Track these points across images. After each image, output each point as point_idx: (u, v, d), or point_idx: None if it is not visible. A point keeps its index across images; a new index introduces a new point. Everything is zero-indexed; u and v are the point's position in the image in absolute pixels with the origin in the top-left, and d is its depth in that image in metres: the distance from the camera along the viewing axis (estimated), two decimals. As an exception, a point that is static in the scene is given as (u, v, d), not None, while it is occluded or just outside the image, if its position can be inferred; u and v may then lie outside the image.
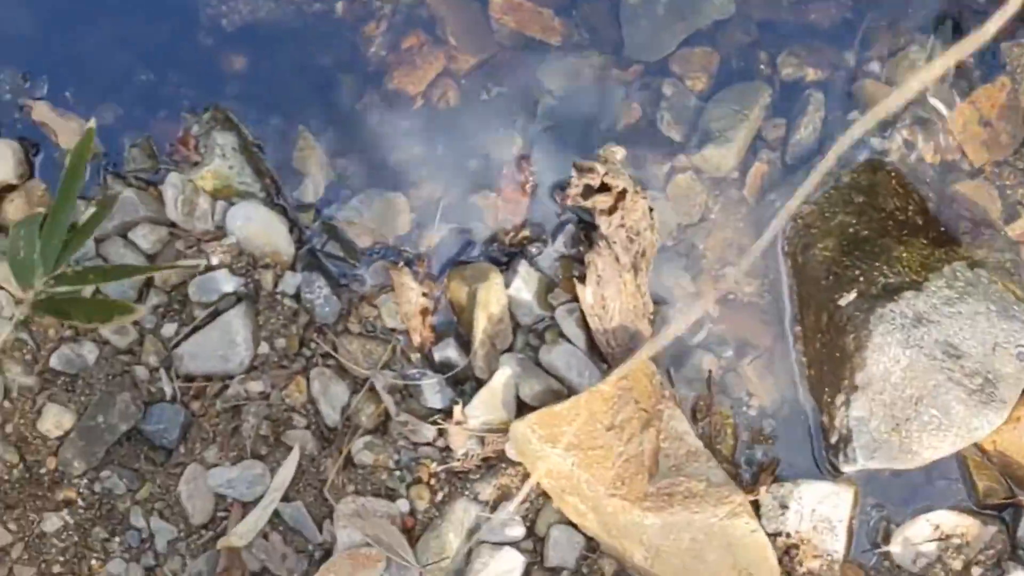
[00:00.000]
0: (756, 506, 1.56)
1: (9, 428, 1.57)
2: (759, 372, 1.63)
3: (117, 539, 1.57)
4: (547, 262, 1.66)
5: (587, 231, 1.65)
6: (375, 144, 1.69)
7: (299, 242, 1.67)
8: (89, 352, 1.58)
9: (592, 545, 1.58)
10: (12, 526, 1.56)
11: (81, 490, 1.57)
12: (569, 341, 1.63)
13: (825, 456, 1.60)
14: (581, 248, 1.64)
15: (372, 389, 1.61)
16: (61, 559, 1.56)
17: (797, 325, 1.64)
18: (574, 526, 1.57)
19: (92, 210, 1.57)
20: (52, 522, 1.56)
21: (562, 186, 1.65)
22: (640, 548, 1.53)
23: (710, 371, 1.64)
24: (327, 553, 1.57)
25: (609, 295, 1.60)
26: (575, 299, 1.63)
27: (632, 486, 1.52)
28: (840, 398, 1.57)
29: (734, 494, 1.53)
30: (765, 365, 1.64)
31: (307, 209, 1.68)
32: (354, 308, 1.64)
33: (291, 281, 1.63)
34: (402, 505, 1.58)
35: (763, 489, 1.57)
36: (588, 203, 1.60)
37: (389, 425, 1.61)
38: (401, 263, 1.66)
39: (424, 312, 1.64)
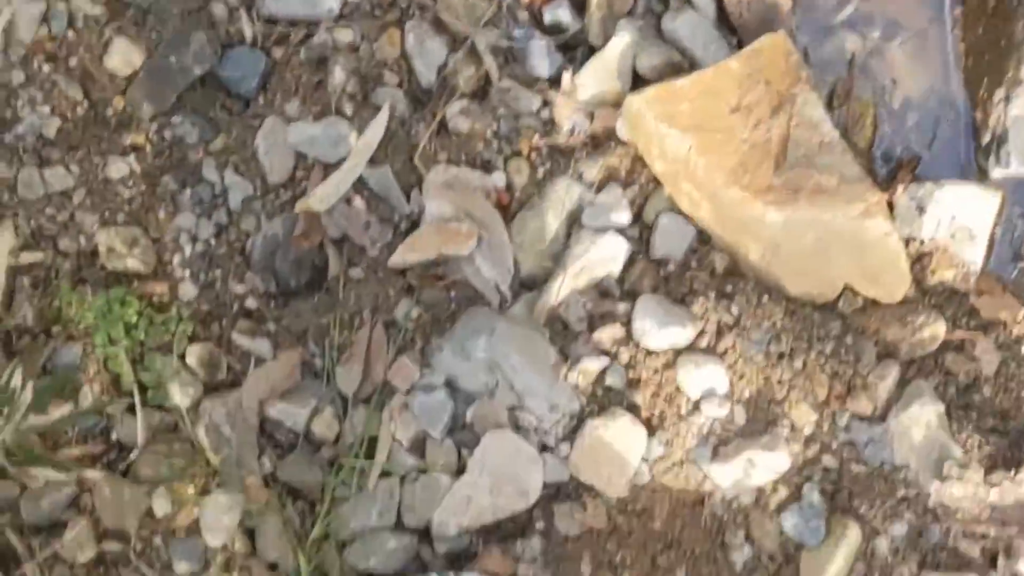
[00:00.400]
0: (890, 207, 1.46)
1: (73, 61, 1.47)
2: (908, 57, 1.49)
3: (188, 191, 1.50)
4: (674, -81, 1.52)
5: None
6: None
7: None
8: (162, -18, 1.48)
9: (704, 238, 1.49)
10: (75, 168, 1.48)
11: (150, 135, 1.49)
12: (696, 8, 1.50)
13: (973, 157, 1.49)
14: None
15: (473, 49, 1.50)
16: (126, 208, 1.49)
17: (958, 7, 1.50)
18: (686, 216, 1.48)
19: None
20: (118, 167, 1.48)
21: None
22: (757, 245, 1.44)
23: (853, 53, 1.51)
24: (413, 225, 1.50)
25: (749, -43, 1.47)
26: (710, -39, 1.50)
27: (755, 176, 1.42)
28: (999, 93, 1.44)
29: (869, 192, 1.42)
30: (915, 50, 1.50)
31: None
32: (458, -47, 1.52)
33: (387, -78, 1.50)
34: (498, 179, 1.49)
35: (900, 188, 1.46)
36: None
37: (489, 90, 1.50)
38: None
39: (537, -35, 1.51)
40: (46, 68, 1.46)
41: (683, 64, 1.49)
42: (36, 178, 1.47)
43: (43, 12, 1.45)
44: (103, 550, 1.41)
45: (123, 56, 1.46)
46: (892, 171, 1.49)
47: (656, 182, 1.49)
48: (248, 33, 1.48)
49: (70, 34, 1.47)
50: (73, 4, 1.46)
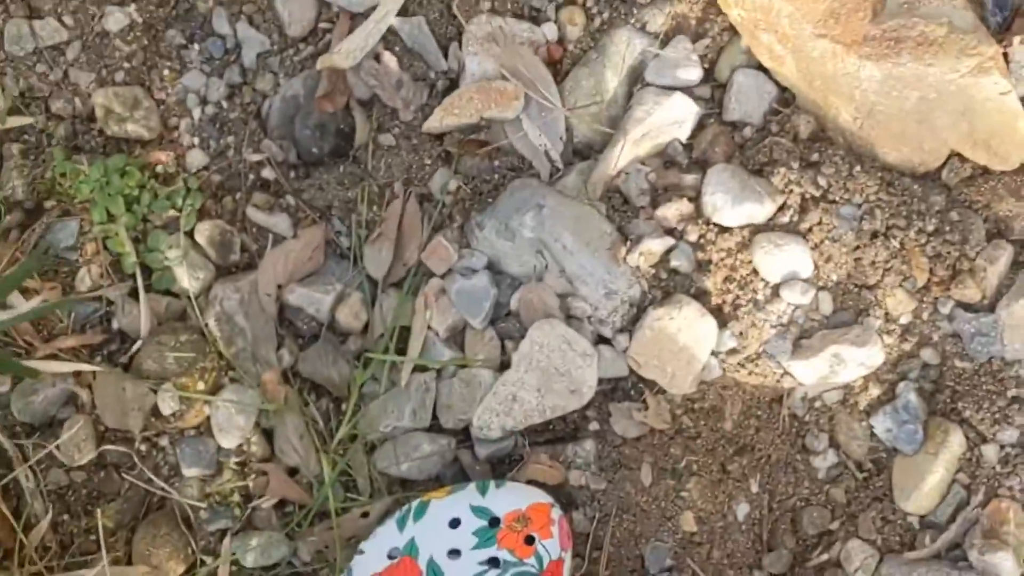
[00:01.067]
0: (1005, 61, 1.34)
1: None
2: None
3: (196, 47, 1.40)
4: None
5: None
6: None
7: None
8: None
9: (786, 98, 1.37)
10: (69, 20, 1.38)
11: (153, -21, 1.40)
12: None
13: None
14: None
15: None
16: (126, 65, 1.39)
17: None
18: (766, 72, 1.36)
19: None
20: (116, 19, 1.38)
21: None
22: (850, 105, 1.32)
23: None
24: (452, 84, 1.39)
25: None
26: None
27: (848, 26, 1.30)
28: None
29: (983, 44, 1.29)
30: None
31: None
32: None
33: None
34: (549, 30, 1.38)
35: (1017, 40, 1.33)
36: None
37: (540, -74, 1.39)
38: None
39: None
40: (34, -99, 1.37)
41: None
42: (25, 31, 1.38)
43: None
44: (103, 452, 1.35)
45: None
46: (1007, 20, 1.35)
47: (732, 33, 1.38)
48: None
49: None
50: None
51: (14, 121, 1.38)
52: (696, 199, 1.34)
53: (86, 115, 1.40)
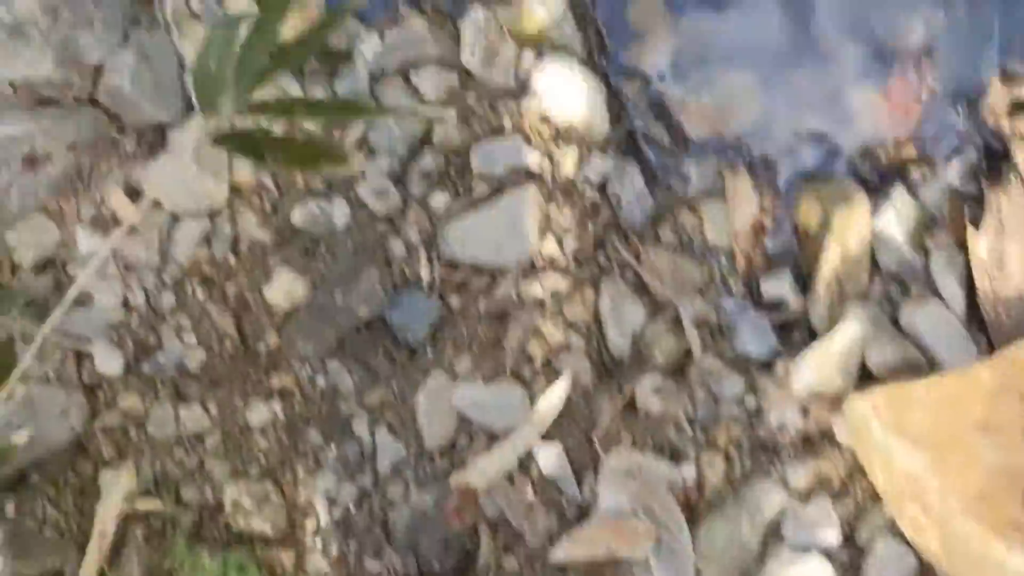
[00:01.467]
0: None
1: (230, 289, 1.44)
2: None
3: (333, 448, 1.42)
4: (931, 193, 1.44)
5: (994, 162, 1.42)
6: (733, 9, 1.48)
7: (616, 119, 1.48)
8: (340, 213, 1.43)
9: (926, 570, 1.34)
10: (213, 410, 1.43)
11: (301, 380, 1.43)
12: (942, 300, 1.40)
13: None
14: (983, 183, 1.41)
15: (676, 318, 1.42)
16: (262, 460, 1.42)
17: None
18: (907, 543, 1.35)
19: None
20: (260, 413, 1.42)
21: (973, 98, 1.43)
22: (994, 589, 1.30)
23: None
24: (583, 513, 1.39)
25: (1011, 251, 1.36)
26: (962, 248, 1.41)
27: (998, 508, 1.29)
28: None
29: None
30: None
31: (634, 78, 1.50)
32: (670, 213, 1.45)
33: (598, 166, 1.44)
34: (688, 472, 1.38)
35: None
36: (1008, 125, 1.37)
37: (689, 368, 1.41)
38: (740, 164, 1.47)
39: (758, 230, 1.44)
40: (200, 293, 1.43)
41: (921, 364, 1.38)
42: (170, 415, 1.42)
43: (206, 231, 1.43)
44: None
45: (285, 288, 1.42)
46: None
47: (875, 498, 1.37)
48: (425, 275, 1.43)
49: (231, 258, 1.44)
50: (240, 226, 1.44)
51: (143, 504, 1.40)
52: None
53: (214, 505, 1.42)
